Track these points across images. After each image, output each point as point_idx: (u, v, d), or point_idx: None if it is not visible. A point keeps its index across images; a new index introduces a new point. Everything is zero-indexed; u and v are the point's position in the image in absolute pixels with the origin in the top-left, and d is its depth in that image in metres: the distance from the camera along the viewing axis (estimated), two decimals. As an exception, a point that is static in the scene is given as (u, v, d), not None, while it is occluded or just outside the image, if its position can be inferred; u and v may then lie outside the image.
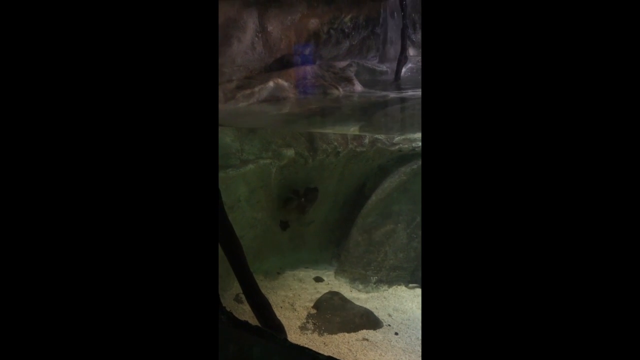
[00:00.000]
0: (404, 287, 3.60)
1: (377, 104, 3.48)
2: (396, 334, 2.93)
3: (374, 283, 3.53)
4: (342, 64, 4.26)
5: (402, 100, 3.62)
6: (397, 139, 3.32)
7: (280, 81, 3.52)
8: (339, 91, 3.72)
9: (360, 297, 3.41)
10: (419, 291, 3.55)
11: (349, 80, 3.95)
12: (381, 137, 3.34)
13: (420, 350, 2.74)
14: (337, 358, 2.53)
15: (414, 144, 3.34)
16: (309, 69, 3.85)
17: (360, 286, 3.53)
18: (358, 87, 3.93)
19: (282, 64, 3.79)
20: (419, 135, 3.38)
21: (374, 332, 2.94)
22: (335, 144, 3.32)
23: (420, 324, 3.04)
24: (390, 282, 3.56)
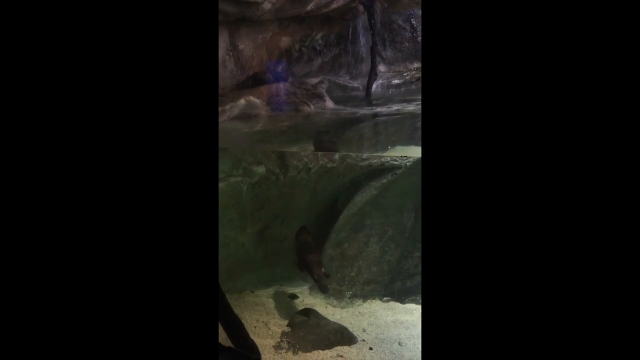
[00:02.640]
0: (378, 301, 3.62)
1: (348, 121, 3.55)
2: (370, 349, 2.93)
3: (349, 298, 3.53)
4: (314, 80, 4.34)
5: (373, 116, 3.72)
6: (366, 154, 3.39)
7: (252, 98, 3.54)
8: (310, 108, 3.78)
9: (335, 312, 3.41)
10: (393, 304, 3.58)
11: (320, 97, 4.02)
12: (351, 152, 3.40)
13: (394, 364, 2.75)
14: (310, 377, 2.51)
15: (382, 159, 3.41)
16: (280, 85, 3.89)
17: (335, 302, 3.52)
18: (329, 104, 4.00)
19: (254, 81, 3.82)
20: (388, 151, 3.46)
21: (349, 348, 2.93)
22: (306, 160, 3.36)
23: (393, 337, 3.06)
24: (365, 297, 3.57)
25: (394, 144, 3.19)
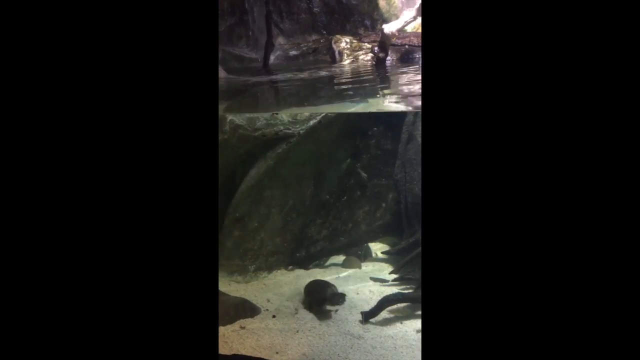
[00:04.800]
0: (283, 270, 3.64)
1: (242, 89, 3.41)
2: (274, 316, 2.95)
3: (253, 272, 3.49)
4: (206, 50, 4.04)
5: (270, 82, 3.64)
6: (258, 124, 3.30)
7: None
8: (199, 78, 3.53)
9: (239, 288, 3.35)
10: (298, 272, 3.64)
11: (210, 67, 3.77)
12: (242, 122, 3.28)
13: (296, 327, 2.81)
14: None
15: (275, 129, 3.36)
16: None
17: (239, 277, 3.45)
18: (222, 73, 3.79)
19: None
20: (282, 118, 3.41)
21: (251, 319, 2.91)
22: (194, 132, 3.14)
23: (296, 302, 3.11)
24: (270, 268, 3.57)
25: (288, 105, 3.18)
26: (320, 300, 2.98)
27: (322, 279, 3.45)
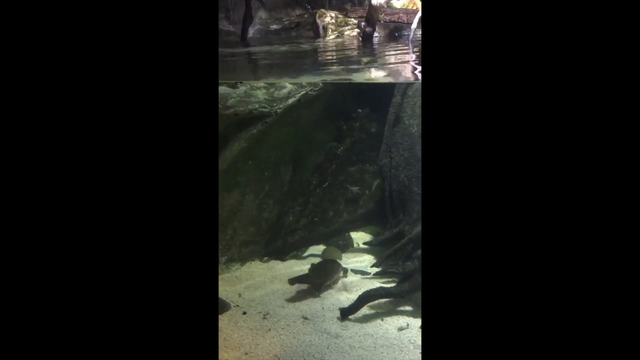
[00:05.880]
0: (258, 262, 3.39)
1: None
2: (244, 313, 2.71)
3: (224, 263, 3.23)
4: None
5: (247, 54, 3.37)
6: (230, 101, 2.98)
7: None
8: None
9: (208, 280, 3.08)
10: (273, 263, 3.40)
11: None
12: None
13: (268, 326, 2.58)
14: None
15: (250, 107, 3.05)
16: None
17: (209, 269, 3.19)
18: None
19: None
20: (257, 94, 3.11)
21: (220, 316, 2.66)
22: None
23: (271, 298, 2.88)
24: (243, 259, 3.31)
25: (266, 76, 2.90)
26: (334, 280, 2.98)
27: (300, 269, 3.22)
